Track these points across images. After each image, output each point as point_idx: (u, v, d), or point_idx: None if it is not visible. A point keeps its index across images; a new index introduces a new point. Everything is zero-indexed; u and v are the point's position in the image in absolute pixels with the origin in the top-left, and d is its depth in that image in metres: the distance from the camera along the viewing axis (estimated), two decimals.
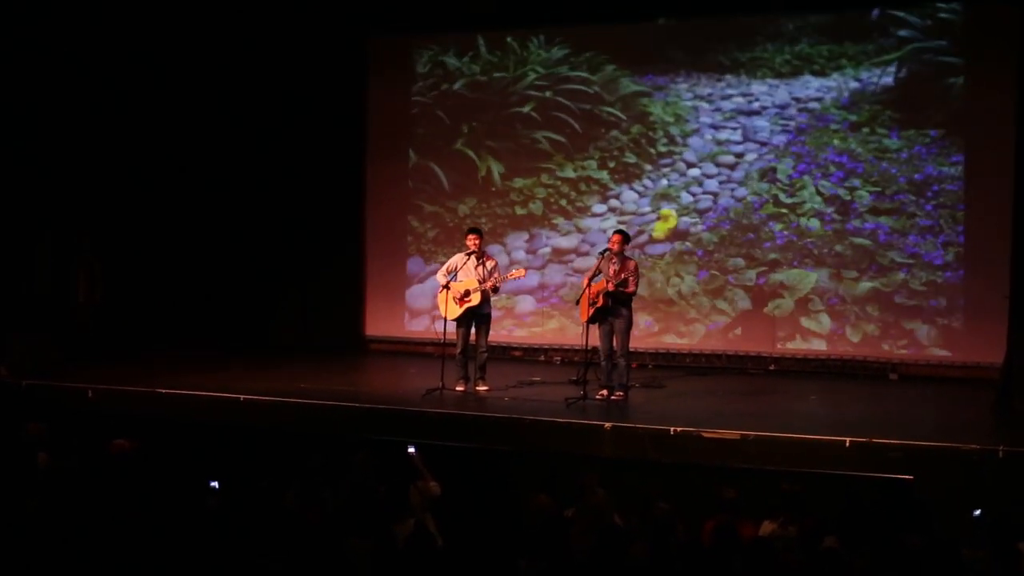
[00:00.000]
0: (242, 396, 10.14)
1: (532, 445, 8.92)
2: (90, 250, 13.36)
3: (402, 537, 5.70)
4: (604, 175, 13.72)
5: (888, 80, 12.52)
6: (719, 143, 13.25)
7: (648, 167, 13.59)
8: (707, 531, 6.17)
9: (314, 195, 14.31)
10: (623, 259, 10.17)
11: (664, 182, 13.38)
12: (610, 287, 10.02)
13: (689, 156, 13.41)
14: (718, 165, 13.28)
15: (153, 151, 14.33)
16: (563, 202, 13.92)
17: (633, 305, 10.32)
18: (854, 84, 12.60)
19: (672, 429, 8.76)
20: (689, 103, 13.37)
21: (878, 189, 12.53)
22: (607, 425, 9.01)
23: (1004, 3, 11.59)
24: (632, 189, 13.67)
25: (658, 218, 13.38)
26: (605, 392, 10.24)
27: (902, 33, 12.43)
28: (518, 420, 9.32)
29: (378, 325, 14.44)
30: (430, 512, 6.81)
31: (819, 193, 12.80)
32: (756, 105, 13.15)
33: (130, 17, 13.62)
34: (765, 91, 13.05)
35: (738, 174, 13.14)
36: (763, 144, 13.04)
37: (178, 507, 6.21)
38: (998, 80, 11.66)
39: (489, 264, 10.73)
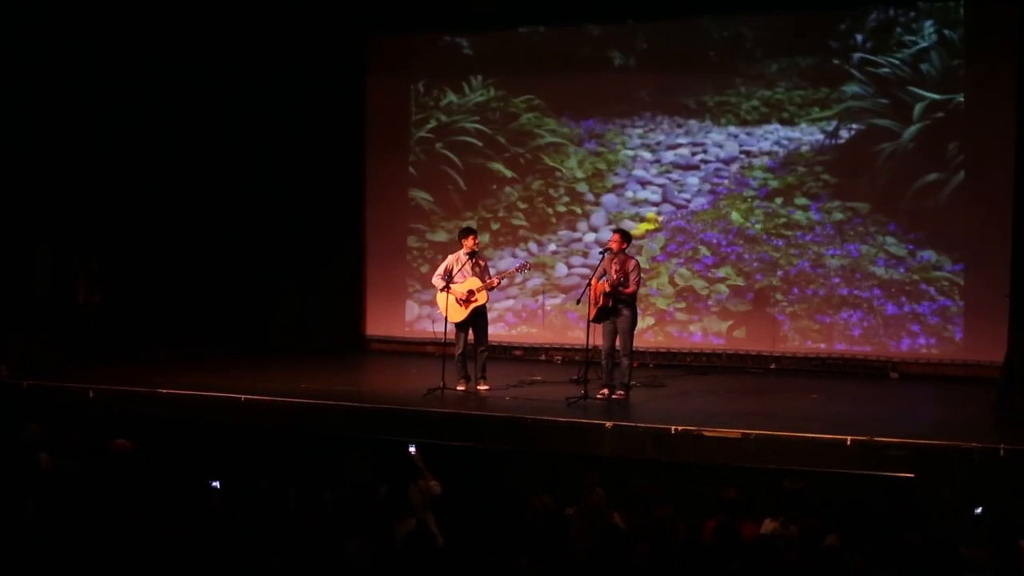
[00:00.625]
0: (243, 396, 10.14)
1: (533, 444, 8.92)
2: (90, 250, 13.36)
3: (403, 536, 5.69)
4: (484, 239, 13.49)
5: (833, 138, 12.49)
6: (635, 203, 13.17)
7: (540, 232, 13.61)
8: (708, 530, 6.17)
9: (314, 195, 14.31)
10: (623, 259, 10.17)
11: (552, 247, 13.29)
12: (606, 288, 10.02)
13: (597, 219, 13.36)
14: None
15: (152, 151, 14.34)
16: (424, 268, 13.70)
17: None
18: (818, 136, 12.53)
19: (673, 428, 8.76)
20: (631, 152, 13.25)
21: (741, 283, 12.69)
22: (608, 424, 9.01)
23: (1004, 1, 11.60)
24: (513, 256, 13.61)
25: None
26: (606, 391, 10.24)
27: (847, 89, 12.39)
28: (519, 419, 9.32)
29: (378, 325, 14.44)
30: (431, 511, 6.81)
31: (672, 283, 12.96)
32: (698, 159, 13.02)
33: (129, 18, 13.63)
34: (720, 140, 12.92)
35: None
36: (677, 207, 13.04)
37: (179, 507, 6.21)
38: (998, 77, 11.66)
39: (482, 263, 10.75)
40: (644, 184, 13.27)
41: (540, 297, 13.48)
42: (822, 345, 12.50)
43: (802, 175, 12.65)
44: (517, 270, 11.03)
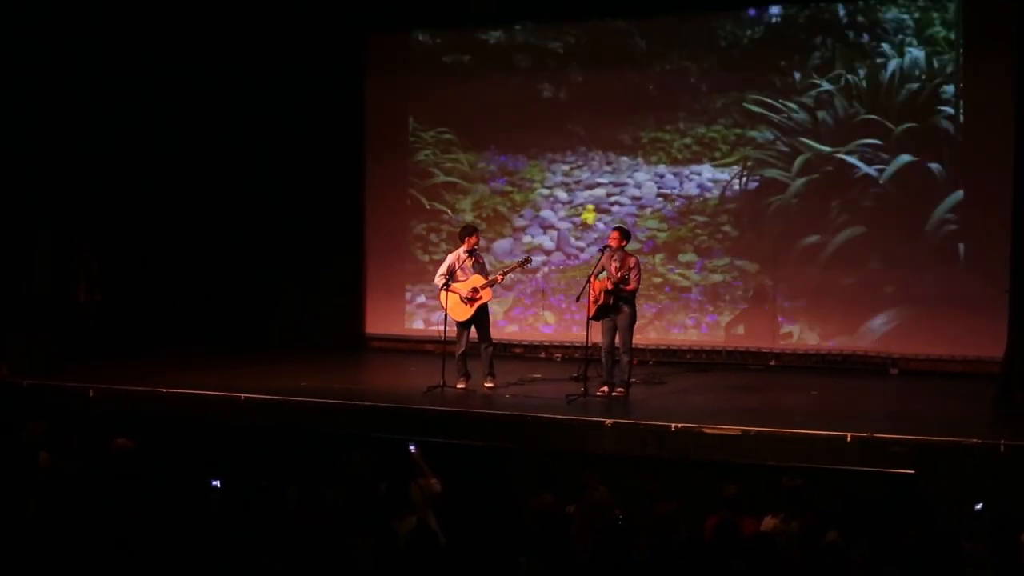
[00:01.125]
0: (243, 395, 10.15)
1: (533, 442, 8.92)
2: (90, 250, 13.35)
3: (403, 535, 5.69)
4: None
5: (741, 185, 12.51)
6: (528, 249, 12.99)
7: (412, 281, 13.76)
8: (709, 527, 6.17)
9: (314, 193, 14.31)
10: (623, 256, 10.16)
11: (420, 299, 13.09)
12: (609, 285, 10.02)
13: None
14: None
15: (152, 150, 14.33)
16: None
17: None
18: (740, 181, 12.48)
19: (673, 425, 8.76)
20: (547, 190, 13.15)
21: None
22: (608, 422, 9.01)
23: None
24: None
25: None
26: (606, 389, 10.23)
27: (756, 133, 12.39)
28: (519, 417, 9.32)
29: (378, 323, 14.43)
30: (431, 509, 6.81)
31: None
32: (612, 200, 12.87)
33: (129, 18, 13.62)
34: (643, 180, 12.81)
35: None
36: (567, 256, 13.00)
37: (179, 506, 6.21)
38: (996, 72, 11.65)
39: (481, 260, 10.74)
40: (546, 228, 13.20)
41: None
42: (828, 341, 12.50)
43: (697, 226, 12.61)
44: (520, 265, 10.99)
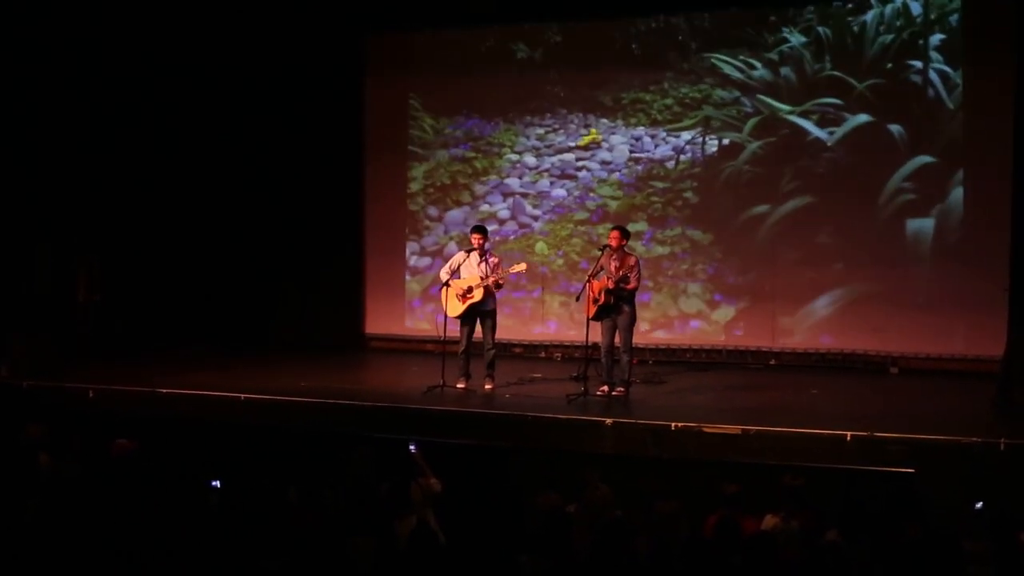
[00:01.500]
0: (243, 395, 10.14)
1: (533, 442, 8.92)
2: (90, 250, 13.35)
3: (404, 534, 5.70)
4: None
5: (702, 150, 12.29)
6: (483, 216, 12.91)
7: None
8: (709, 526, 6.17)
9: (313, 193, 14.31)
10: (622, 255, 10.16)
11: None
12: (610, 285, 10.01)
13: (430, 239, 13.18)
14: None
15: (152, 151, 14.34)
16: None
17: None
18: (715, 142, 12.33)
19: (673, 424, 8.76)
20: (516, 155, 13.02)
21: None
22: (608, 421, 9.01)
23: None
24: None
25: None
26: (606, 388, 10.23)
27: (724, 93, 12.15)
28: (519, 416, 9.32)
29: (378, 323, 14.43)
30: (431, 509, 6.81)
31: None
32: (581, 164, 12.67)
33: (129, 18, 13.62)
34: (617, 143, 12.66)
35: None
36: (520, 227, 12.90)
37: (179, 506, 6.21)
38: (998, 71, 11.63)
39: (492, 261, 10.70)
40: (506, 196, 13.05)
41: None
42: (822, 340, 12.49)
43: (654, 193, 12.43)
44: (512, 270, 10.96)
